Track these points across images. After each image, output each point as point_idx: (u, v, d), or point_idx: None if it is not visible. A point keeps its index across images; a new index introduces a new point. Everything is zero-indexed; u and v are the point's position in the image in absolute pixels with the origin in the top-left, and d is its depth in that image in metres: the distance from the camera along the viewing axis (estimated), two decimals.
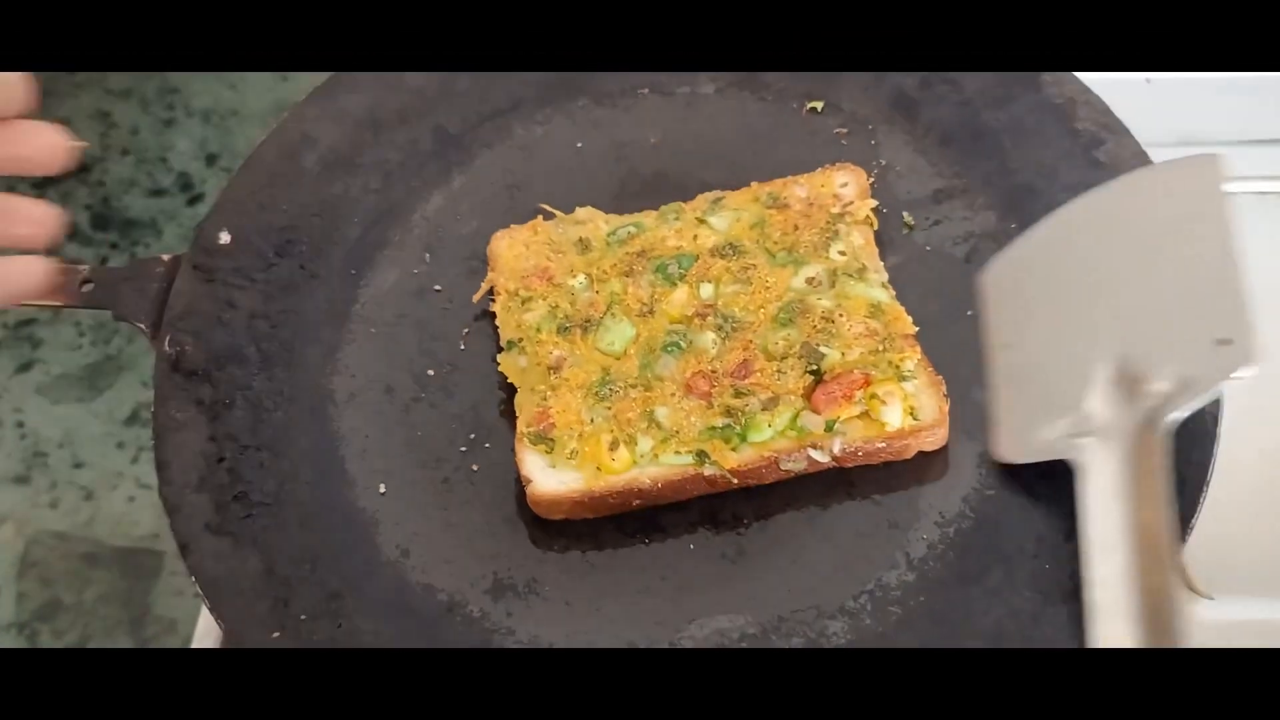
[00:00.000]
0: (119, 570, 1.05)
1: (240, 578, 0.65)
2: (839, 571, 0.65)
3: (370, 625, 0.64)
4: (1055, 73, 0.79)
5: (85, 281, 0.76)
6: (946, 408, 0.67)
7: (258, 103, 1.33)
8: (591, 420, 0.67)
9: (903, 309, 0.69)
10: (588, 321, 0.71)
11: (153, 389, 0.71)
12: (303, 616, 0.64)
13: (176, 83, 1.37)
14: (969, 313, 0.73)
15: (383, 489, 0.69)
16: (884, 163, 0.79)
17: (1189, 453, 0.64)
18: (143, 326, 0.75)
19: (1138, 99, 0.84)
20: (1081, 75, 0.80)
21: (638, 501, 0.67)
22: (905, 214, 0.77)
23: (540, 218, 0.77)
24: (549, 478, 0.66)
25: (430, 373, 0.74)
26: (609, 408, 0.67)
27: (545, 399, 0.68)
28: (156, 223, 1.25)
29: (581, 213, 0.77)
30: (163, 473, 0.68)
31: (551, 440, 0.67)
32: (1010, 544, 0.64)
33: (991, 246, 0.75)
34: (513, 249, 0.75)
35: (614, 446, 0.66)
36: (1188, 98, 0.91)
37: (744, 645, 0.63)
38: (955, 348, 0.71)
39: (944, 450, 0.68)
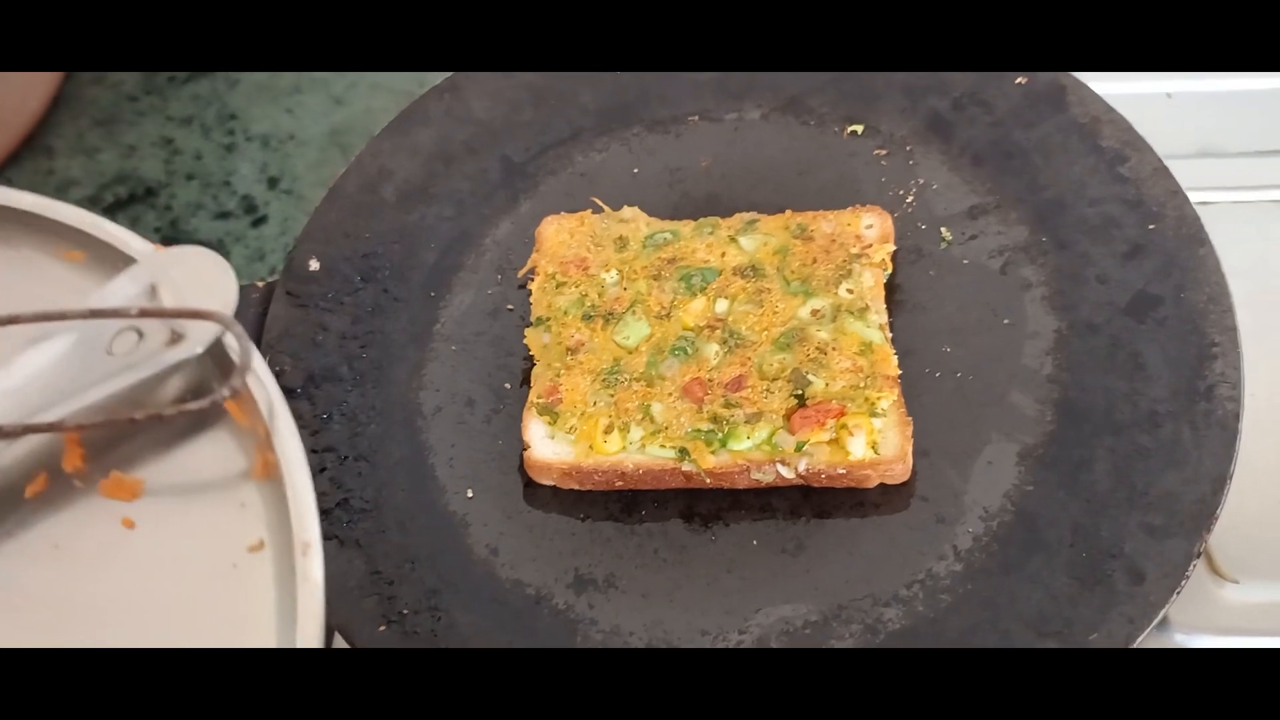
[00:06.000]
0: None
1: (348, 577, 0.72)
2: (891, 563, 0.71)
3: (467, 618, 0.70)
4: (1080, 94, 0.84)
5: None
6: (910, 448, 0.72)
7: (314, 127, 1.39)
8: (594, 403, 0.75)
9: (891, 351, 0.75)
10: (610, 314, 0.78)
11: None
12: (405, 611, 0.71)
13: (235, 109, 1.43)
14: (1005, 321, 0.78)
15: (470, 494, 0.76)
16: (921, 181, 0.85)
17: (1215, 444, 0.70)
18: None
19: (1158, 113, 0.90)
20: (1103, 91, 0.85)
21: (620, 483, 0.74)
22: (943, 229, 0.83)
23: (590, 211, 0.83)
24: (546, 446, 0.74)
25: (507, 386, 0.80)
26: (612, 395, 0.75)
27: (559, 375, 0.76)
28: (224, 244, 1.32)
29: (627, 211, 0.84)
30: None
31: (556, 414, 0.74)
32: (1049, 534, 0.70)
33: (1024, 259, 0.81)
34: (559, 235, 0.82)
35: (609, 430, 0.74)
36: (1206, 110, 0.96)
37: (807, 632, 0.69)
38: (992, 353, 0.77)
39: (983, 451, 0.74)
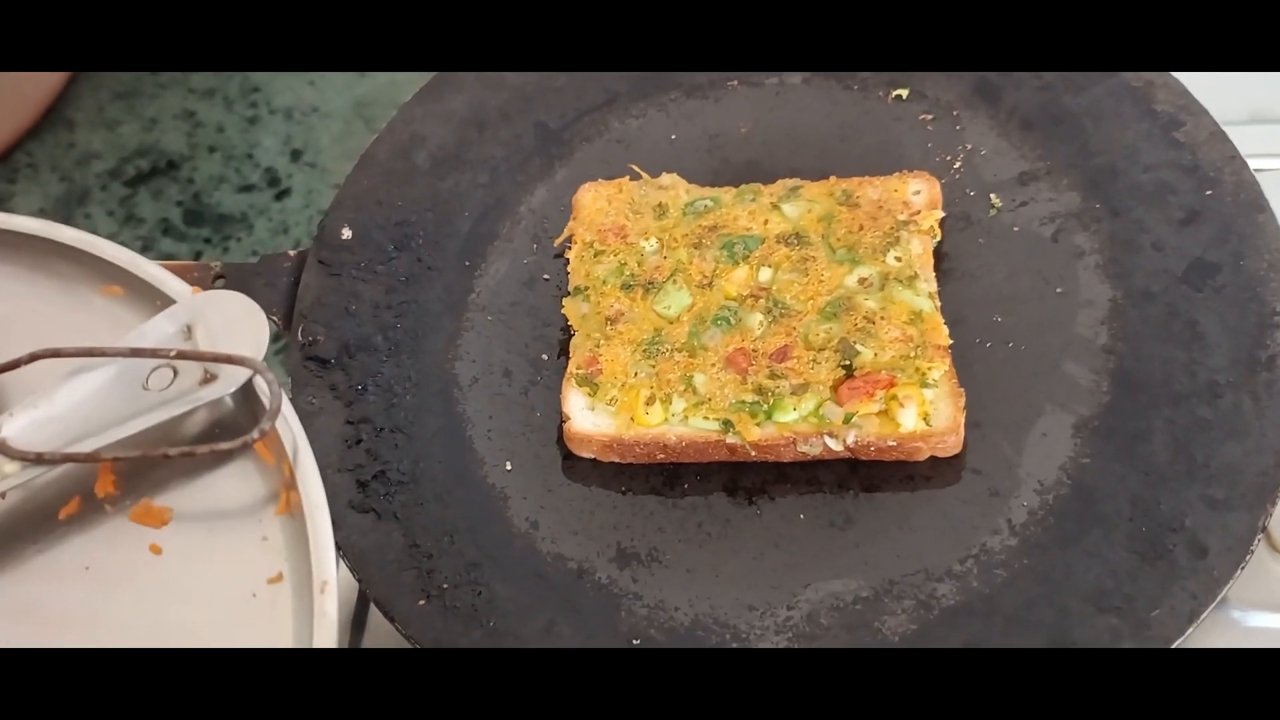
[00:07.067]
0: None
1: (386, 550, 0.70)
2: (944, 537, 0.69)
3: (508, 592, 0.69)
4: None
5: (218, 277, 0.81)
6: (962, 419, 0.70)
7: (337, 99, 1.37)
8: (635, 374, 0.73)
9: (941, 320, 0.73)
10: (650, 283, 0.76)
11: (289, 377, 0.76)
12: (445, 585, 0.69)
13: (258, 81, 1.42)
14: (1058, 290, 0.76)
15: (509, 466, 0.74)
16: (969, 147, 0.82)
17: (1277, 415, 0.68)
18: (275, 319, 0.80)
19: (1207, 78, 0.87)
20: None
21: (661, 455, 0.72)
22: (992, 196, 0.80)
23: (627, 178, 0.81)
24: (586, 418, 0.72)
25: (544, 357, 0.78)
26: (653, 366, 0.73)
27: (598, 346, 0.74)
28: (247, 217, 1.30)
29: (666, 178, 0.81)
30: None
31: (596, 385, 0.72)
32: (1107, 507, 0.68)
33: (1076, 226, 0.78)
34: (596, 202, 0.80)
35: (650, 402, 0.71)
36: (1257, 76, 0.93)
37: (858, 607, 0.67)
38: (1044, 323, 0.75)
39: (1037, 422, 0.72)
